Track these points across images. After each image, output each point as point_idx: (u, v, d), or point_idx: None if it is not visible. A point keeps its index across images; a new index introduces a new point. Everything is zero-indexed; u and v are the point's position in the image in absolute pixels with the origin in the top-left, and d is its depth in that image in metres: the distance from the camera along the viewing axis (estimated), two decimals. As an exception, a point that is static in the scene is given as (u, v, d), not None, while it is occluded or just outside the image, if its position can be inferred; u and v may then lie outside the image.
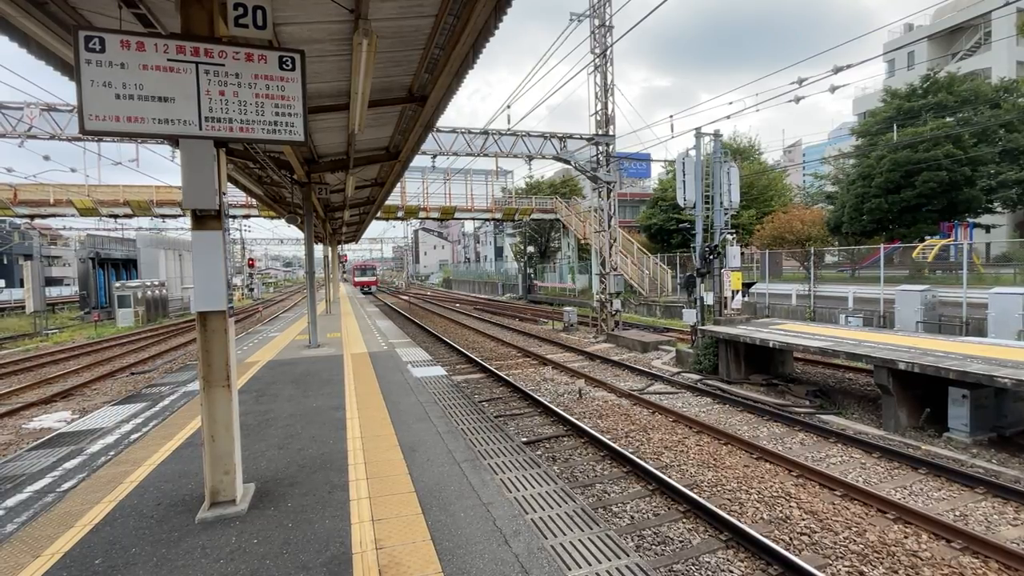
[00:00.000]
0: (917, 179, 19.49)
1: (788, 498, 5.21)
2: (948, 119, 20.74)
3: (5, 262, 41.03)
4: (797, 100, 10.14)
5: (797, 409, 8.12)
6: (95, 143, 17.87)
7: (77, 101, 2.76)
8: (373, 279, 46.53)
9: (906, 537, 4.44)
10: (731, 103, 11.29)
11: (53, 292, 38.93)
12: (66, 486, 3.75)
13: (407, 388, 6.58)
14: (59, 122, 15.30)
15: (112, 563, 2.69)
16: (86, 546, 2.87)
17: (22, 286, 30.73)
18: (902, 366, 6.83)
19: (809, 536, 4.51)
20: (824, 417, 7.76)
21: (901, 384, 7.02)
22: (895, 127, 21.59)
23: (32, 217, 24.32)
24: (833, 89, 9.31)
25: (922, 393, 7.05)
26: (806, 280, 17.83)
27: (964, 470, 5.66)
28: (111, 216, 24.42)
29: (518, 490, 3.66)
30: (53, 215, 23.82)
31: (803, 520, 4.78)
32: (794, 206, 28.41)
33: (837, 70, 8.42)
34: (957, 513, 4.91)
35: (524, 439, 7.03)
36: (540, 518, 3.22)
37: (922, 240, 19.82)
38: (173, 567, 2.64)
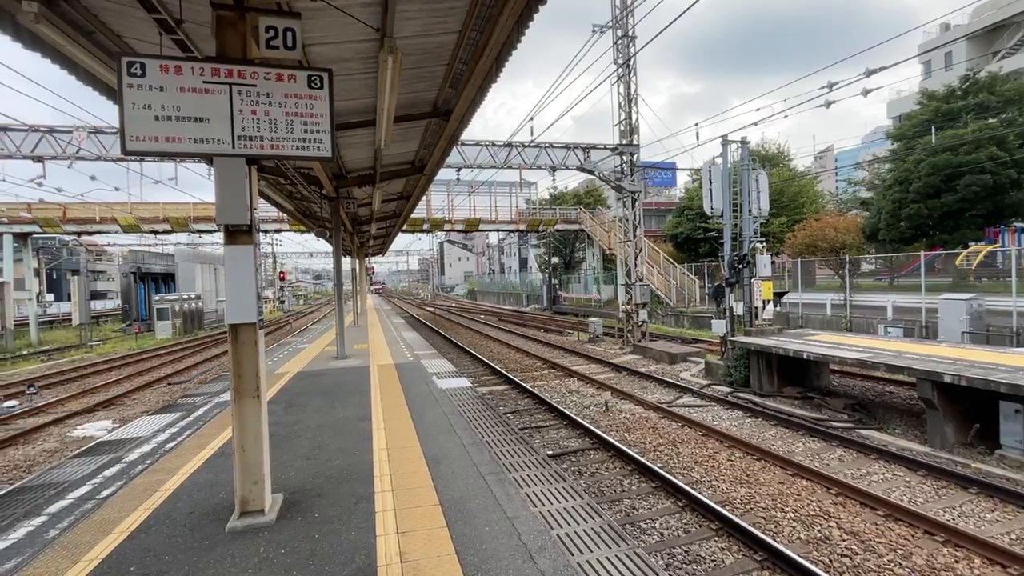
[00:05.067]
0: (959, 183, 18.69)
1: (827, 517, 4.99)
2: (991, 120, 19.88)
3: (54, 277, 43.26)
4: (828, 105, 9.87)
5: (835, 424, 7.80)
6: (137, 163, 18.75)
7: (119, 123, 2.89)
8: (380, 287, 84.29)
9: (957, 561, 4.19)
10: (758, 109, 11.11)
11: (98, 305, 40.78)
12: (105, 493, 3.87)
13: (432, 399, 6.60)
14: (105, 144, 16.13)
15: (146, 570, 2.76)
16: (122, 553, 2.95)
17: (70, 300, 32.31)
18: (948, 379, 6.49)
19: (851, 558, 4.29)
20: (864, 432, 7.43)
21: (947, 398, 6.67)
22: (933, 130, 20.81)
23: (79, 234, 25.63)
24: (866, 93, 9.03)
25: (970, 408, 6.68)
26: (841, 289, 17.21)
27: (1019, 490, 5.31)
28: (152, 232, 25.52)
29: (543, 505, 3.60)
30: (98, 232, 25.04)
31: (844, 541, 4.56)
32: (827, 213, 27.60)
33: (869, 73, 8.17)
34: (1013, 536, 4.61)
35: (549, 452, 6.95)
36: (566, 534, 3.16)
37: (965, 246, 18.94)
38: (204, 576, 2.69)
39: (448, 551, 2.85)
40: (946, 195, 19.16)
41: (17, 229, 23.41)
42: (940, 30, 34.63)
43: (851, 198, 32.67)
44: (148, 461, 4.59)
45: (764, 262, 11.07)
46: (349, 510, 3.40)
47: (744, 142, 11.79)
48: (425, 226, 28.45)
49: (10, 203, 23.42)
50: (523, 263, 55.54)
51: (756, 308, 11.06)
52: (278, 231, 27.93)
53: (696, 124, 14.21)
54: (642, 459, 6.34)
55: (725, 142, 11.76)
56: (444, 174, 15.68)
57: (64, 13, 3.59)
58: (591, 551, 2.97)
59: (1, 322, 21.82)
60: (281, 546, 2.96)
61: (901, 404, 8.73)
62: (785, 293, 14.85)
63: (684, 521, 5.02)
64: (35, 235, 24.91)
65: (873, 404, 8.78)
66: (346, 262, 22.56)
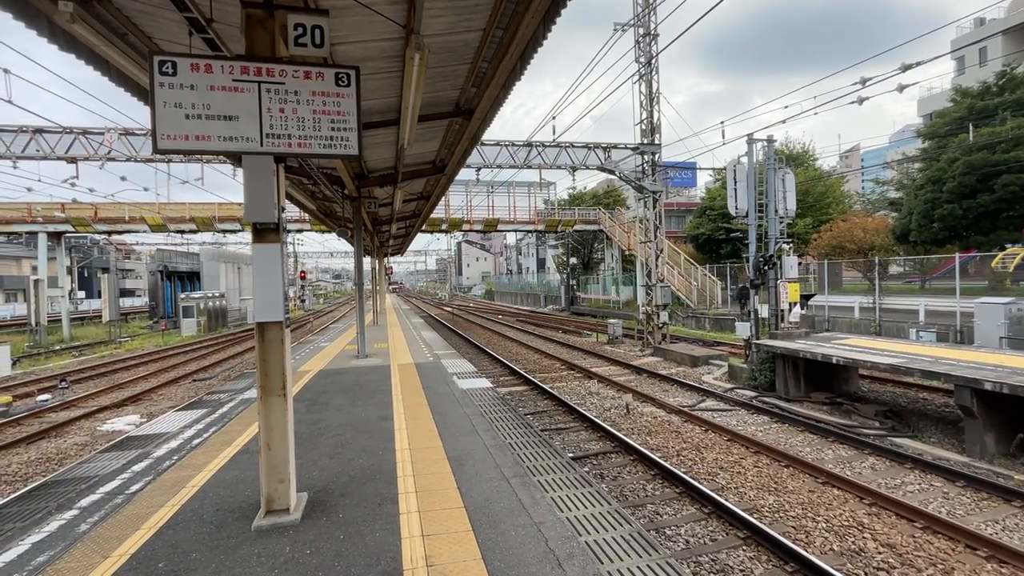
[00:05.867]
0: (996, 182, 17.99)
1: (861, 528, 4.81)
2: (1030, 118, 19.10)
3: (86, 275, 44.60)
4: (860, 101, 9.56)
5: (866, 431, 7.55)
6: (165, 164, 19.20)
7: (151, 122, 2.91)
8: (398, 286, 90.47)
9: (1003, 578, 3.99)
10: (787, 107, 10.84)
11: (126, 303, 41.92)
12: (134, 488, 3.92)
13: (453, 400, 6.57)
14: (135, 145, 16.55)
15: (174, 567, 2.76)
16: (150, 549, 2.97)
17: (100, 297, 33.27)
18: (988, 386, 6.22)
19: (888, 572, 4.12)
20: (897, 440, 7.17)
21: (987, 406, 6.40)
22: (970, 127, 20.09)
23: (110, 233, 26.38)
24: (901, 88, 8.70)
25: (1012, 416, 6.39)
26: (869, 292, 16.72)
27: (1068, 505, 5.06)
28: (178, 232, 26.12)
29: (570, 510, 3.53)
30: (128, 231, 25.72)
31: (880, 554, 4.38)
32: (854, 214, 26.90)
33: (906, 68, 7.87)
34: (1063, 553, 4.37)
35: (571, 454, 6.86)
36: (595, 541, 3.08)
37: (1002, 248, 18.23)
38: (231, 575, 2.68)
39: (475, 555, 2.80)
40: (982, 195, 18.47)
41: (51, 228, 24.20)
42: (974, 25, 33.49)
43: (879, 198, 31.79)
44: (175, 457, 4.64)
45: (791, 263, 10.80)
46: (373, 511, 3.38)
47: (770, 140, 11.53)
48: (444, 226, 28.54)
49: (45, 203, 24.21)
50: (541, 263, 55.44)
51: (782, 311, 10.79)
52: (300, 231, 28.32)
53: (722, 122, 13.95)
54: (665, 464, 6.21)
55: (751, 141, 11.52)
56: (464, 174, 15.68)
57: (98, 14, 3.65)
58: (621, 560, 2.89)
59: (35, 318, 22.55)
60: (307, 546, 2.94)
61: (935, 411, 8.42)
62: (812, 295, 14.45)
63: (710, 528, 4.90)
64: (68, 234, 25.71)
65: (906, 411, 8.49)
66: (366, 262, 22.75)
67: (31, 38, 3.73)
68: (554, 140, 17.43)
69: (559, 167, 18.86)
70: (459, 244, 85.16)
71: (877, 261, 16.66)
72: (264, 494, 3.27)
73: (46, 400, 11.09)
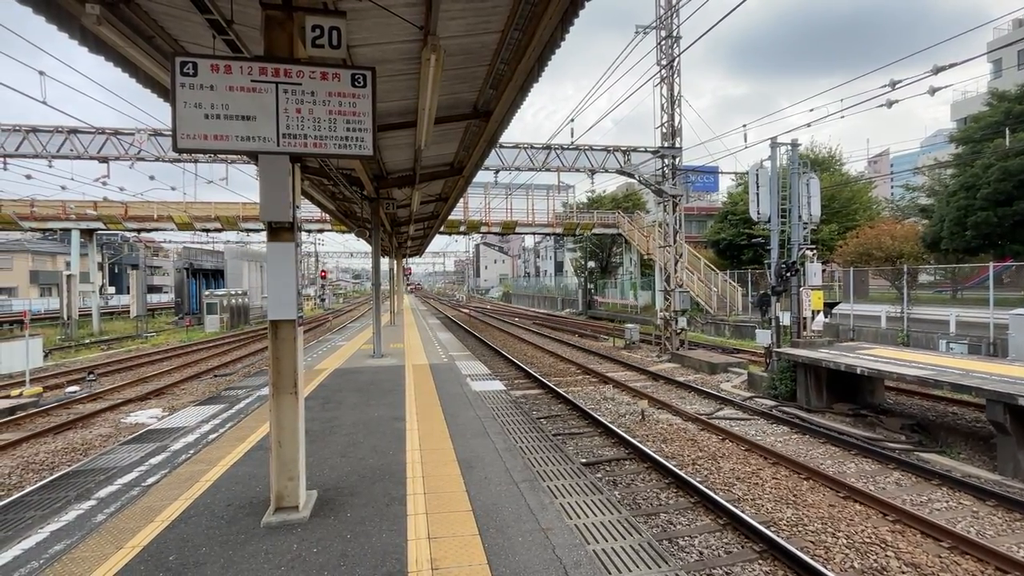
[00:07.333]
0: (1034, 190, 17.33)
1: (883, 546, 4.63)
2: (1071, 122, 18.36)
3: (116, 271, 46.02)
4: (889, 104, 9.28)
5: (891, 444, 7.30)
6: (192, 164, 19.68)
7: (172, 122, 2.96)
8: (416, 287, 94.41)
9: (1036, 604, 3.79)
10: (812, 110, 10.64)
11: (153, 299, 43.11)
12: (150, 481, 4.00)
13: (466, 401, 6.56)
14: (163, 145, 17.01)
15: (184, 561, 2.80)
16: (162, 542, 3.01)
17: (129, 293, 34.27)
18: (1022, 401, 5.95)
19: (911, 593, 3.96)
20: (924, 455, 6.91)
21: (1021, 422, 6.12)
22: (1007, 132, 19.38)
23: (139, 231, 27.14)
24: (933, 91, 8.40)
25: (1049, 434, 6.10)
26: (897, 301, 16.21)
27: (1108, 529, 4.80)
28: (204, 230, 26.76)
29: (579, 517, 3.47)
30: (156, 229, 26.44)
31: (903, 573, 4.21)
32: (882, 220, 26.17)
33: (938, 70, 7.60)
34: (1102, 580, 4.14)
35: (583, 460, 6.78)
36: (603, 550, 3.02)
37: (1040, 258, 17.52)
38: (238, 570, 2.70)
39: (480, 561, 2.76)
40: (1018, 202, 17.80)
41: (84, 226, 25.03)
42: (1012, 26, 32.35)
43: (909, 204, 30.87)
44: (191, 451, 4.73)
45: (814, 270, 10.53)
46: (381, 511, 3.37)
47: (795, 144, 11.28)
48: (462, 228, 28.67)
49: (78, 201, 25.06)
50: (559, 267, 55.27)
51: (804, 318, 10.52)
52: (320, 231, 28.77)
53: (744, 126, 13.71)
54: (680, 472, 6.09)
55: (774, 144, 11.28)
56: (482, 176, 15.72)
57: (125, 17, 3.74)
58: (629, 570, 2.83)
59: (67, 312, 23.31)
60: (314, 545, 2.95)
61: (965, 427, 8.10)
62: (837, 303, 14.08)
63: (725, 540, 4.77)
64: (99, 231, 26.54)
65: (933, 425, 8.18)
66: (384, 262, 22.94)
67: (66, 43, 3.85)
68: (572, 143, 17.36)
69: (578, 170, 18.78)
70: (477, 246, 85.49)
71: (906, 269, 16.15)
72: (274, 491, 3.30)
73: (74, 392, 11.44)
